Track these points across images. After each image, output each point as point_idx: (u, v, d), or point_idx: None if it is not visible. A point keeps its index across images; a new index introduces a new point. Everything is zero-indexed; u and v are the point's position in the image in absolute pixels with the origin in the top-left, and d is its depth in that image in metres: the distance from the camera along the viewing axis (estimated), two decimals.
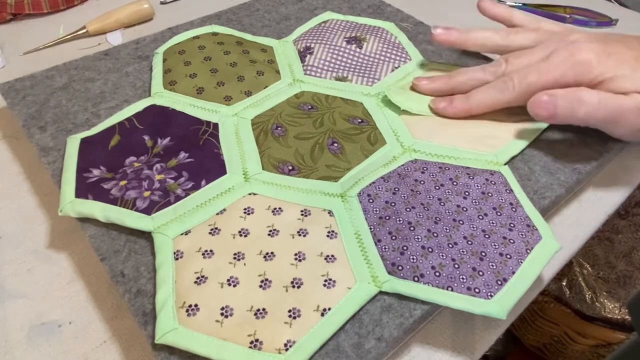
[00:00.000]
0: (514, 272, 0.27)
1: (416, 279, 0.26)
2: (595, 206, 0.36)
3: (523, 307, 0.31)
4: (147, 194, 0.30)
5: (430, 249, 0.27)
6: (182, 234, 0.28)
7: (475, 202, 0.30)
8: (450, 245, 0.28)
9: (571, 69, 0.32)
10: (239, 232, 0.28)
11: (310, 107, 0.37)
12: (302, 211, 0.29)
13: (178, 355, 0.24)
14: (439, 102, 0.36)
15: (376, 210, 0.29)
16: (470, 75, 0.36)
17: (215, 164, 0.32)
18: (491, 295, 0.25)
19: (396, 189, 0.31)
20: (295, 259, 0.27)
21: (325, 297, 0.25)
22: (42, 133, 0.35)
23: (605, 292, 0.63)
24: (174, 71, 0.39)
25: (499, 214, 0.30)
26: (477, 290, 0.26)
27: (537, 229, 0.29)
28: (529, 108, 0.32)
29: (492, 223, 0.29)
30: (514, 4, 0.58)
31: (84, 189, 0.30)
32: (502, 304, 0.25)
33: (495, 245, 0.28)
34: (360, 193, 0.30)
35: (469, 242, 0.28)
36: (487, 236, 0.28)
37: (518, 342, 0.77)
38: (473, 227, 0.29)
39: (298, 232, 0.28)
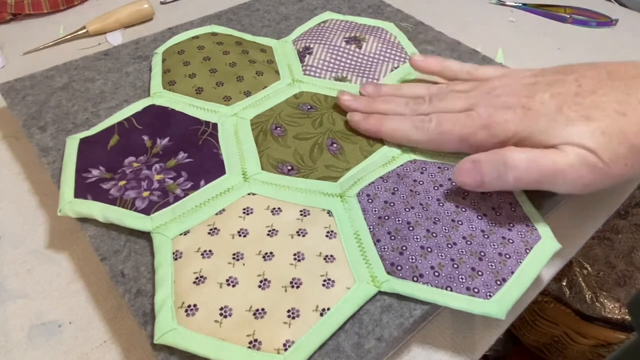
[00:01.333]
0: (513, 272, 0.27)
1: (415, 279, 0.26)
2: (595, 206, 0.36)
3: (523, 307, 0.31)
4: (146, 194, 0.30)
5: (429, 249, 0.27)
6: (181, 234, 0.28)
7: (474, 202, 0.30)
8: (449, 246, 0.28)
9: (485, 129, 0.30)
10: (238, 232, 0.28)
11: (309, 107, 0.37)
12: (301, 211, 0.29)
13: (178, 355, 0.24)
14: (354, 115, 0.35)
15: (375, 210, 0.29)
16: (393, 108, 0.35)
17: (214, 164, 0.32)
18: (490, 295, 0.25)
19: (395, 189, 0.31)
20: (295, 259, 0.27)
21: (325, 297, 0.25)
22: (42, 133, 0.36)
23: (605, 292, 0.63)
24: (173, 71, 0.39)
25: (498, 214, 0.30)
26: (476, 290, 0.26)
27: (536, 229, 0.29)
28: (455, 177, 0.29)
29: (491, 223, 0.29)
30: (514, 4, 0.58)
31: (83, 189, 0.30)
32: (501, 304, 0.25)
33: (494, 245, 0.28)
34: (359, 193, 0.31)
35: (468, 242, 0.28)
36: (486, 236, 0.28)
37: (518, 342, 0.77)
38: (472, 227, 0.29)
39: (297, 232, 0.28)
